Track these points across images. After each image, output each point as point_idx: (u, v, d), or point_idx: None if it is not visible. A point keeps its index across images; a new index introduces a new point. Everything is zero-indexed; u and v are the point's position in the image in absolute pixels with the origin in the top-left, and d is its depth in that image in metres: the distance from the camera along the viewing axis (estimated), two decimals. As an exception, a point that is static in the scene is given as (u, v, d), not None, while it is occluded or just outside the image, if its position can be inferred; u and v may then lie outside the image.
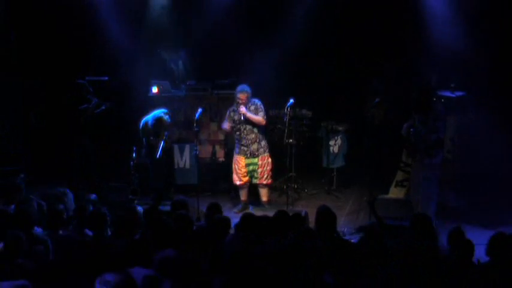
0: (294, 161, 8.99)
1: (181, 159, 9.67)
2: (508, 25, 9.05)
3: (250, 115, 8.46)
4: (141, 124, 8.86)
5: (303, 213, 7.70)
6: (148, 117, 8.84)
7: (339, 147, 9.78)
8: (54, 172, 9.64)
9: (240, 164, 8.69)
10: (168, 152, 9.12)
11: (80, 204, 6.27)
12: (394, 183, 8.59)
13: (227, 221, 5.98)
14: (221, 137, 9.88)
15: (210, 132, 9.94)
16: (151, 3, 10.63)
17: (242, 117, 8.47)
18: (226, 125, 8.72)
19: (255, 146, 8.61)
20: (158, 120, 8.79)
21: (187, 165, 9.64)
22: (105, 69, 9.86)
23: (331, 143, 9.79)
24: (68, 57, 10.36)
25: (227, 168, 9.26)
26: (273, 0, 10.39)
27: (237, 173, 8.72)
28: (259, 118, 8.53)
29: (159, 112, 8.88)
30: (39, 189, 7.94)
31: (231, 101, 8.85)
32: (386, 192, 8.57)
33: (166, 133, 8.85)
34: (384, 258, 5.22)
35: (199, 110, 8.56)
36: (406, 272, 4.89)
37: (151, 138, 8.80)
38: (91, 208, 6.27)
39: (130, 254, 5.05)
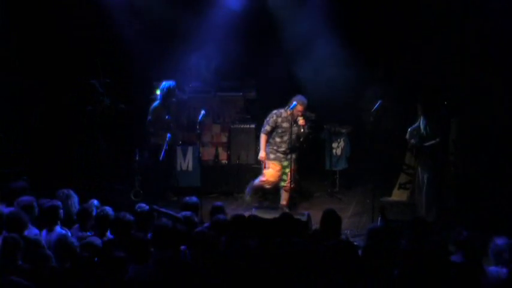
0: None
1: (184, 161, 9.64)
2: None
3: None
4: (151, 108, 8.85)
5: (305, 216, 7.68)
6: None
7: (341, 149, 9.79)
8: (55, 173, 9.59)
9: (277, 168, 8.44)
10: (170, 154, 9.09)
11: (84, 207, 6.21)
12: (397, 186, 8.61)
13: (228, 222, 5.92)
14: (224, 139, 9.86)
15: (213, 135, 9.91)
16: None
17: (302, 130, 8.39)
18: (267, 129, 8.43)
19: (292, 155, 8.43)
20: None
21: (190, 168, 9.62)
22: (107, 70, 9.82)
23: (334, 145, 9.80)
24: (69, 57, 10.31)
25: (229, 170, 9.22)
26: (277, 2, 10.35)
27: (275, 176, 8.46)
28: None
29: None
30: (40, 190, 7.87)
31: (233, 103, 8.81)
32: (389, 194, 8.57)
33: (168, 135, 8.82)
34: (388, 260, 5.20)
35: (202, 112, 8.46)
36: (410, 273, 4.87)
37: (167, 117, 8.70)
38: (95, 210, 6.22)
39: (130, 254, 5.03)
